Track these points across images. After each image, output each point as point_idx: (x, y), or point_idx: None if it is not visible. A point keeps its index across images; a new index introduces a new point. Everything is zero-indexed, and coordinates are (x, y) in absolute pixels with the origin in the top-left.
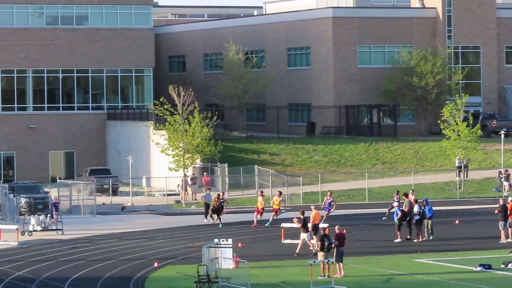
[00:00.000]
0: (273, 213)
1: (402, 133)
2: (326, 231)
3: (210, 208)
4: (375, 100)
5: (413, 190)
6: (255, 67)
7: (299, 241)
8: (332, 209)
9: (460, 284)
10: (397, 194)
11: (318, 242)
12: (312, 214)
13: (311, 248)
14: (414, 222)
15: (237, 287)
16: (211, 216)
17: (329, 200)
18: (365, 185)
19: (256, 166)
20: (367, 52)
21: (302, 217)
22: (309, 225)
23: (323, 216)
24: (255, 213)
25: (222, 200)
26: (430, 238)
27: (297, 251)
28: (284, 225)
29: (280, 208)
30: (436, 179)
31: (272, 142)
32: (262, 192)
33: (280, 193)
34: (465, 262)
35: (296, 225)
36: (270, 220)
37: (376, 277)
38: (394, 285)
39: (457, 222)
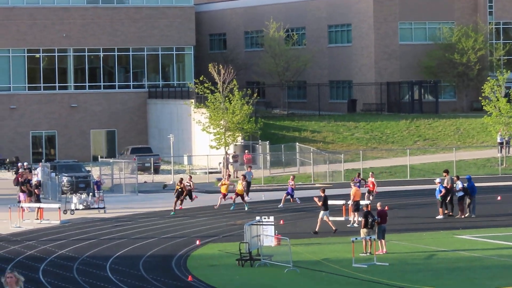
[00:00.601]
0: (234, 197)
1: (444, 109)
2: (369, 208)
3: (174, 194)
4: (416, 76)
5: (372, 173)
6: (295, 45)
7: (339, 219)
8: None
9: (502, 260)
10: (358, 176)
11: (362, 219)
12: (352, 191)
13: (332, 225)
14: (458, 198)
15: (279, 265)
16: (175, 203)
17: (291, 184)
18: (407, 162)
19: (297, 143)
20: (408, 29)
21: (322, 195)
22: (350, 202)
23: (289, 199)
24: (221, 195)
25: (188, 184)
26: (472, 216)
27: (316, 229)
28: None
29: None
30: (478, 156)
31: (313, 120)
32: (229, 175)
33: (244, 177)
34: (507, 238)
35: (337, 202)
36: (233, 204)
37: (418, 253)
38: (436, 261)
39: (499, 198)
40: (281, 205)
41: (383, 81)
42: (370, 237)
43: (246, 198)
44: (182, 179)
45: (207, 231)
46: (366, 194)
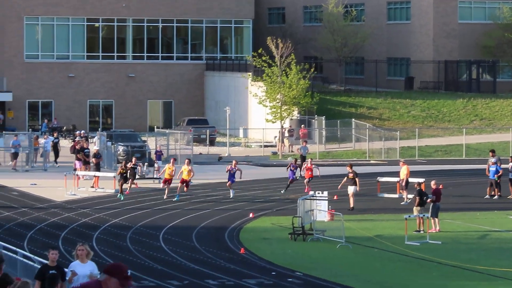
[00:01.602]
0: (180, 184)
1: (501, 89)
2: (422, 187)
3: (118, 179)
4: (474, 55)
5: (311, 159)
6: (354, 20)
7: (393, 196)
8: (236, 178)
9: None
10: (295, 162)
11: (417, 197)
12: (402, 169)
13: (352, 204)
14: (510, 179)
15: (331, 240)
16: (121, 192)
17: (234, 170)
18: (463, 141)
19: (353, 119)
20: (468, 8)
21: (350, 170)
22: (400, 180)
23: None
24: (162, 183)
25: (135, 166)
26: None
27: (351, 205)
28: (380, 179)
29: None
30: None
31: (370, 96)
32: (174, 159)
33: (189, 161)
34: None
35: (393, 179)
36: (177, 193)
37: (471, 233)
38: (489, 241)
39: None
40: (231, 195)
41: (441, 60)
42: (424, 215)
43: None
44: (126, 162)
45: (261, 204)
46: (305, 181)
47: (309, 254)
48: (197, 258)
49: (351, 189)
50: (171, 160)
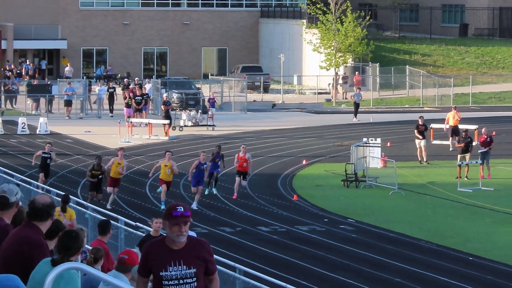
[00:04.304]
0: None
1: None
2: (475, 134)
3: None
4: None
5: (244, 146)
6: None
7: (446, 142)
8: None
9: None
10: (219, 149)
11: (463, 144)
12: (448, 114)
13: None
14: None
15: (384, 187)
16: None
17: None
18: None
19: (407, 66)
20: None
21: (422, 122)
22: (446, 126)
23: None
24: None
25: (47, 155)
26: None
27: (425, 160)
28: (433, 125)
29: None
30: None
31: (424, 43)
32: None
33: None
34: None
35: (443, 126)
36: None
37: None
38: None
39: None
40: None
41: (496, 6)
42: (476, 162)
43: (354, 120)
44: (100, 158)
45: (314, 151)
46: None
47: (361, 201)
48: (249, 205)
49: (422, 143)
50: (119, 153)
